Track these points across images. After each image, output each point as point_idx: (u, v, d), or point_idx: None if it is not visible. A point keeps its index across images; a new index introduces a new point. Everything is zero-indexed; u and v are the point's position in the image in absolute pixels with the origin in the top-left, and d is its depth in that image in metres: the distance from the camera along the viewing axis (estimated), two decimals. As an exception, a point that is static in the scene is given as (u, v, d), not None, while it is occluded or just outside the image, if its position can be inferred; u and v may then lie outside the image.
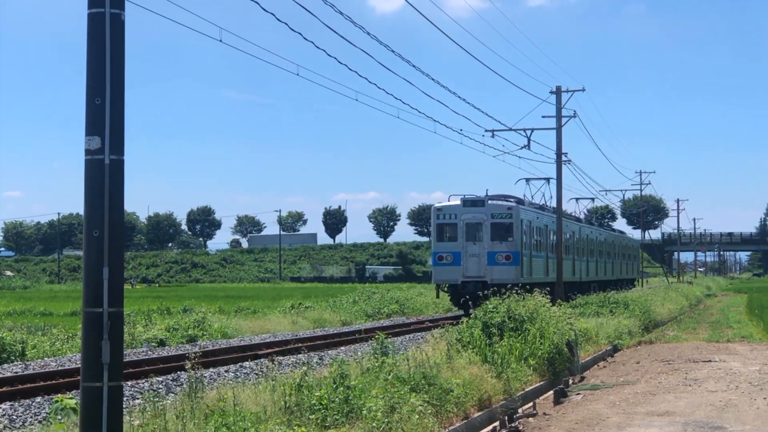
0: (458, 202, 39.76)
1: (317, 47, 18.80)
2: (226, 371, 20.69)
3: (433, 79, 25.74)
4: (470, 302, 31.66)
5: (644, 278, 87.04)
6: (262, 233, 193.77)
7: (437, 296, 43.29)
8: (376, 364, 14.83)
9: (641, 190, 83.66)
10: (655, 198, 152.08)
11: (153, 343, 27.57)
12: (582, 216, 62.01)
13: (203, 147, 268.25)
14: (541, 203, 47.97)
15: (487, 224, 38.93)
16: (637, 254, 79.58)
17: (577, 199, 67.40)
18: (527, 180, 49.66)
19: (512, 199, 42.30)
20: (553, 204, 43.84)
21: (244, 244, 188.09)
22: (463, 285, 38.26)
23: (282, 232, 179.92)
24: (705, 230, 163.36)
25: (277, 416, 11.55)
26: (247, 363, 22.21)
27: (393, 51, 21.74)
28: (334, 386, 12.39)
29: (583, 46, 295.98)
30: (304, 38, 18.20)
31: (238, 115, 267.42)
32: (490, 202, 39.82)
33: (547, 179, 48.83)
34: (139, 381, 18.64)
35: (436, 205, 40.79)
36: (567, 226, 49.04)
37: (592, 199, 65.74)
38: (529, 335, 19.91)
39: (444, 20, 27.77)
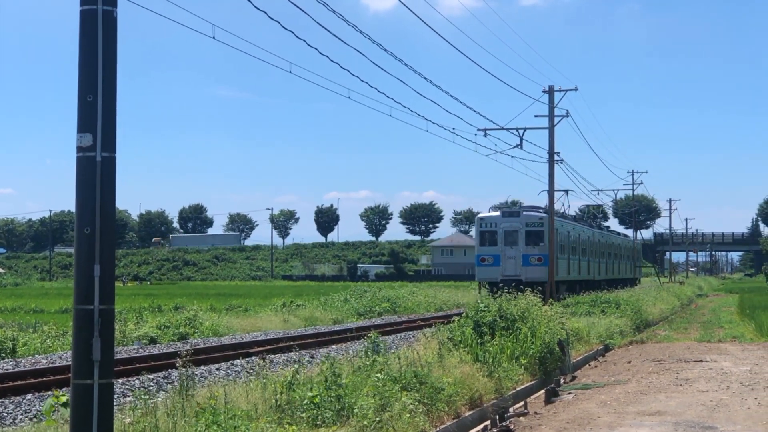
0: (498, 213, 46.94)
1: (309, 45, 18.76)
2: (217, 369, 20.67)
3: (425, 78, 25.72)
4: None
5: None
6: (185, 234, 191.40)
7: (479, 292, 47.32)
8: (368, 363, 14.83)
9: (633, 190, 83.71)
10: (647, 198, 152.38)
11: (144, 341, 27.55)
12: (573, 215, 64.91)
13: (195, 144, 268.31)
14: (561, 212, 52.45)
15: (522, 231, 45.19)
16: (639, 255, 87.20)
17: (588, 206, 76.62)
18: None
19: (541, 210, 47.65)
20: (572, 213, 49.16)
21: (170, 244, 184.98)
22: (502, 282, 41.79)
23: (195, 233, 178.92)
24: (697, 230, 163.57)
25: (268, 414, 11.54)
26: (238, 361, 22.20)
27: (385, 50, 21.72)
28: (326, 385, 12.38)
29: (576, 46, 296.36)
30: (297, 36, 18.15)
31: (231, 113, 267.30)
32: (524, 213, 46.47)
33: (566, 191, 58.00)
34: (130, 378, 18.62)
35: (480, 215, 47.43)
36: (583, 231, 55.85)
37: (600, 206, 70.89)
38: (521, 334, 19.92)
39: (437, 19, 27.88)
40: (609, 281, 60.86)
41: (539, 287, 32.78)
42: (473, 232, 45.01)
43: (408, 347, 18.25)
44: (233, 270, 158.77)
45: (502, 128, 40.47)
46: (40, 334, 27.27)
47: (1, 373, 18.93)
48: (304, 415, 11.61)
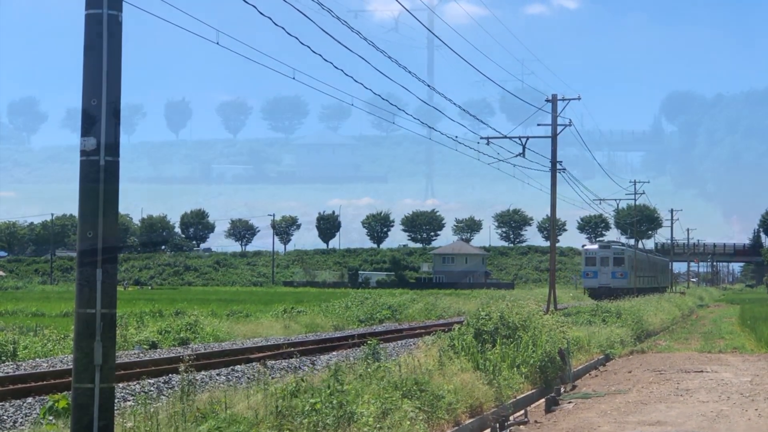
0: (596, 246, 75.63)
1: (313, 51, 18.75)
2: (217, 374, 20.67)
3: (428, 86, 25.73)
4: (603, 298, 58.24)
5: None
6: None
7: (584, 294, 75.21)
8: (369, 370, 14.81)
9: (635, 200, 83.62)
10: (649, 208, 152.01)
11: (145, 346, 27.54)
12: (575, 225, 77.92)
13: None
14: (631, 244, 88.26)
15: (611, 257, 72.16)
16: (668, 269, 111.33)
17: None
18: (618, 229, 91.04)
19: (622, 245, 78.69)
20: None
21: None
22: (598, 288, 69.86)
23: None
24: (698, 241, 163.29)
25: (269, 420, 11.53)
26: (239, 367, 22.19)
27: (389, 57, 21.73)
28: (329, 392, 12.36)
29: (582, 55, 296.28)
30: (301, 42, 18.16)
31: (232, 117, 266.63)
32: (613, 246, 74.51)
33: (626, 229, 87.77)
34: (130, 383, 18.59)
35: (584, 247, 77.47)
36: (642, 254, 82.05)
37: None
38: (522, 343, 19.88)
39: (441, 27, 27.87)
40: (653, 289, 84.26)
41: (619, 291, 64.50)
42: (581, 257, 77.00)
43: (409, 354, 18.24)
44: (234, 276, 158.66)
45: (505, 137, 40.46)
46: (41, 338, 27.25)
47: (2, 377, 18.93)
48: (305, 421, 11.59)
